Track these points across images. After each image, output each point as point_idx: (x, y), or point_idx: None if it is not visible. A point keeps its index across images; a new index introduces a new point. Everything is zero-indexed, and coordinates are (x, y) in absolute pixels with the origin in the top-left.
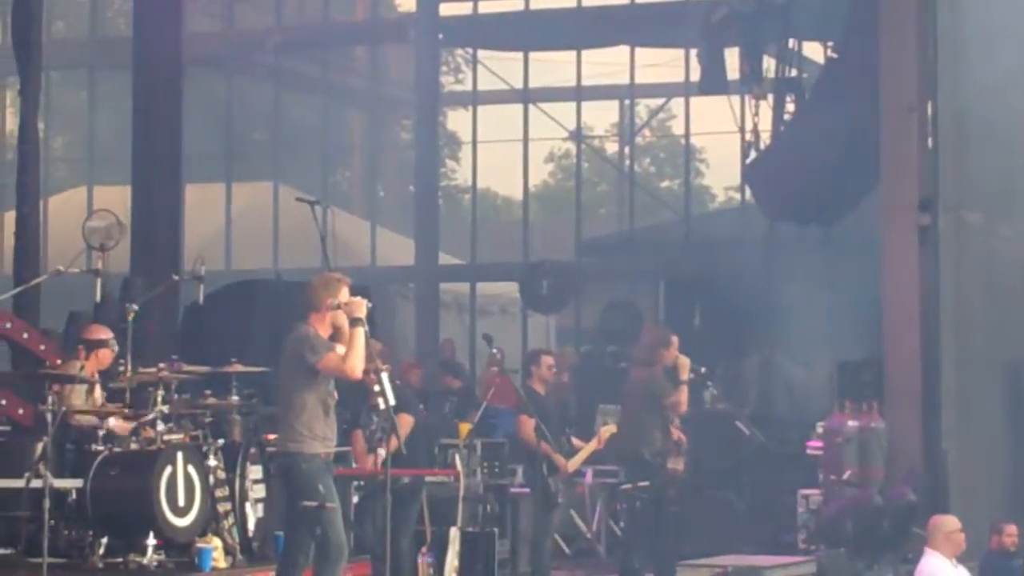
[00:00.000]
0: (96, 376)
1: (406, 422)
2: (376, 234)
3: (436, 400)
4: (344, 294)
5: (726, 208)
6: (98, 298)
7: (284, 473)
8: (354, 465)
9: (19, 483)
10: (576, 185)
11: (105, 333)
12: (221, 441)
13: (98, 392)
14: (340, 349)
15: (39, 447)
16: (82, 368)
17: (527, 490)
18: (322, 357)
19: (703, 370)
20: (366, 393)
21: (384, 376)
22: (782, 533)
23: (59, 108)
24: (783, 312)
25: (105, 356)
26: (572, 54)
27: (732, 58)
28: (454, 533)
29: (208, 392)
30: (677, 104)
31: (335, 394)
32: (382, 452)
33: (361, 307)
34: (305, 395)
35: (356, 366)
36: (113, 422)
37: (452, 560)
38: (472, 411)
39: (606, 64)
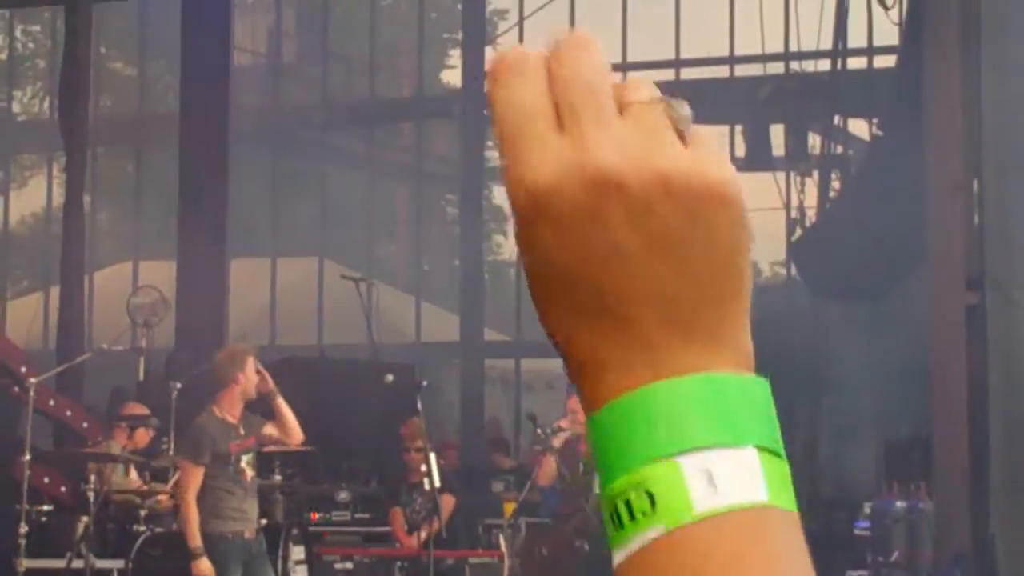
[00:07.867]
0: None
1: (448, 503)
2: (421, 309)
3: (483, 479)
4: (249, 365)
5: (771, 284)
6: (141, 376)
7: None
8: (396, 545)
9: (60, 563)
10: None
11: (141, 410)
12: (264, 521)
13: (133, 472)
14: (268, 427)
15: (80, 526)
16: (125, 447)
17: None
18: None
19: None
20: (404, 470)
21: (432, 457)
22: None
23: (105, 182)
24: (829, 390)
25: (142, 436)
26: None
27: (777, 135)
28: None
29: None
30: None
31: (247, 471)
32: (423, 533)
33: (265, 382)
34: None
35: (293, 437)
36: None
37: None
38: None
39: None
